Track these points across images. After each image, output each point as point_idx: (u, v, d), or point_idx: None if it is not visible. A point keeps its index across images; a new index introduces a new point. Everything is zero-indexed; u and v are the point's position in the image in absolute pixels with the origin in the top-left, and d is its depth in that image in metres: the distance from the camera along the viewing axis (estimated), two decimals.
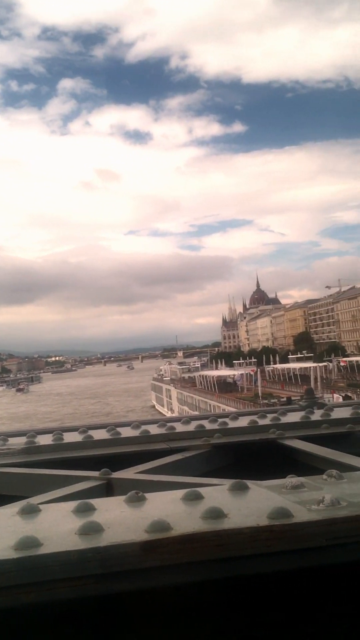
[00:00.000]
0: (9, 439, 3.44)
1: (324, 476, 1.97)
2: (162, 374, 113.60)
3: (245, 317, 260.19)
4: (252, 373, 72.65)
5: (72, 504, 1.83)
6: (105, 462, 2.85)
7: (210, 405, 63.78)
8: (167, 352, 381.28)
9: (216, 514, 1.61)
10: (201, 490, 1.85)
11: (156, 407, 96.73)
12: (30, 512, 1.83)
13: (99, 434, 3.44)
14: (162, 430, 3.44)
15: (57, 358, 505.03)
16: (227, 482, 1.98)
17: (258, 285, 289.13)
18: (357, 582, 1.61)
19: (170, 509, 1.73)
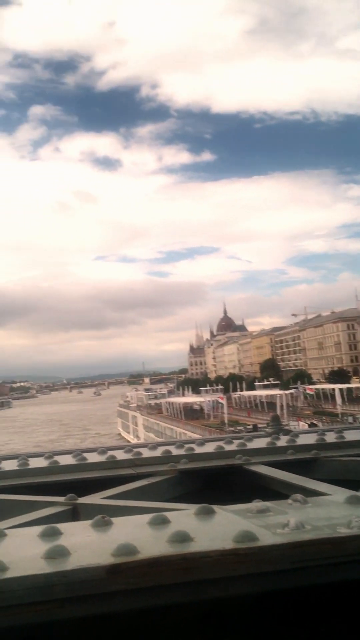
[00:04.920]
0: None
1: (289, 501, 1.98)
2: (129, 401, 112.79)
3: (212, 344, 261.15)
4: (219, 400, 72.63)
5: (38, 529, 1.83)
6: (71, 487, 2.82)
7: (176, 432, 63.47)
8: (134, 379, 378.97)
9: (182, 537, 1.61)
10: (167, 514, 1.86)
11: (122, 434, 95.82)
12: None
13: (65, 460, 3.41)
14: (129, 456, 3.44)
15: (22, 384, 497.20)
16: (193, 507, 1.98)
17: (225, 312, 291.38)
18: (321, 605, 1.61)
19: (136, 533, 1.73)
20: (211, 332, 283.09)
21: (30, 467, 3.28)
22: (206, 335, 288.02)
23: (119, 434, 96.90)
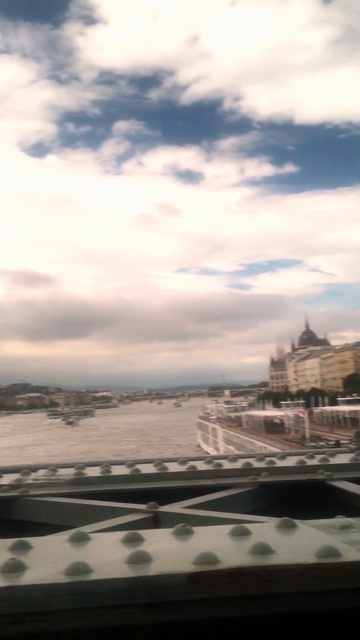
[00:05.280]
0: (58, 469, 3.50)
1: None
2: (209, 413, 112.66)
3: (293, 358, 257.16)
4: (300, 414, 71.33)
5: (121, 534, 1.86)
6: (152, 496, 2.86)
7: (256, 445, 62.72)
8: (214, 391, 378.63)
9: (264, 549, 1.61)
10: (248, 526, 1.86)
11: (202, 445, 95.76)
12: (80, 539, 1.87)
13: (146, 468, 3.46)
14: (209, 467, 3.44)
15: (104, 393, 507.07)
16: (274, 520, 1.98)
17: (307, 325, 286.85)
18: None
19: (217, 543, 1.73)
20: (292, 346, 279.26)
21: (112, 474, 3.35)
22: (287, 349, 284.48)
23: (199, 446, 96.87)
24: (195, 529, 1.90)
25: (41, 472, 3.49)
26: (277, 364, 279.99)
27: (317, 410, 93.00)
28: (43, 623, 1.45)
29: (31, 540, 1.86)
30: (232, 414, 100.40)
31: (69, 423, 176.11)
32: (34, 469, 3.59)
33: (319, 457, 3.64)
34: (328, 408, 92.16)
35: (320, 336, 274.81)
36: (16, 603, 1.45)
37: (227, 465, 3.51)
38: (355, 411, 71.89)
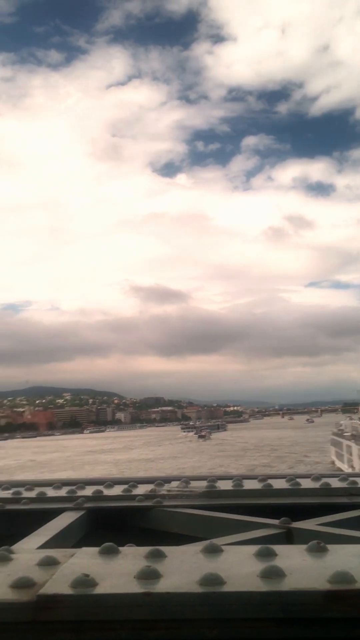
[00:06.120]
0: (191, 482, 3.55)
1: None
2: (343, 429, 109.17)
3: None
4: None
5: (254, 548, 1.84)
6: (284, 511, 2.81)
7: None
8: (348, 407, 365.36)
9: None
10: None
11: (335, 462, 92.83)
12: (213, 551, 1.86)
13: (279, 484, 3.41)
14: (344, 484, 3.33)
15: (235, 408, 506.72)
16: None
17: None
18: None
19: (354, 562, 1.66)
20: None
21: (244, 488, 3.34)
22: None
23: (332, 463, 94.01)
24: (330, 546, 1.86)
25: (174, 483, 3.56)
26: None
27: None
28: (177, 631, 1.47)
29: (165, 549, 1.87)
30: None
31: (201, 437, 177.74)
32: (167, 480, 3.67)
33: None
34: None
35: None
36: (151, 609, 1.48)
37: None
38: None
